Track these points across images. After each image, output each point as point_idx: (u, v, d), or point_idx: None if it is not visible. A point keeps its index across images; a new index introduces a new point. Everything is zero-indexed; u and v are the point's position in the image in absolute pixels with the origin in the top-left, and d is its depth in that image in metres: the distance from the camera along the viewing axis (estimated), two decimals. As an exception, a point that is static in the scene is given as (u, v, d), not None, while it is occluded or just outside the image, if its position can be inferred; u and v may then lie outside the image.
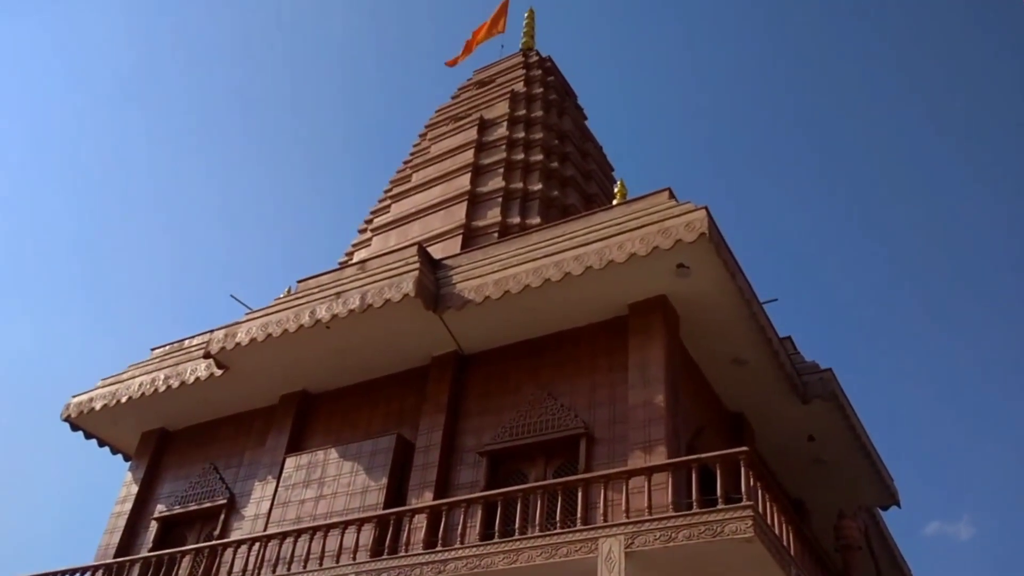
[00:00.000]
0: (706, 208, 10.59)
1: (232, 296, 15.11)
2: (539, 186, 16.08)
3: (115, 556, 13.85)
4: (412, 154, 19.17)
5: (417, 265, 12.09)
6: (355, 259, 16.56)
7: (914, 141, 42.80)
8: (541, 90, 18.75)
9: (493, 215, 15.64)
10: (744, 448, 8.98)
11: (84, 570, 12.91)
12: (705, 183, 44.63)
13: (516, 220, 15.39)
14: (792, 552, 9.20)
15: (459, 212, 15.95)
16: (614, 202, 13.81)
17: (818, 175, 44.34)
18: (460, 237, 15.38)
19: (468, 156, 17.10)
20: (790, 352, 13.55)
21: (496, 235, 15.09)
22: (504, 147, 17.04)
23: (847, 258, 42.84)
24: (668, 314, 11.19)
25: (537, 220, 15.26)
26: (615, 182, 18.46)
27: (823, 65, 45.30)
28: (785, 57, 46.22)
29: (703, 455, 9.24)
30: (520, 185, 16.08)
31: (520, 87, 18.81)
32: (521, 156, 16.75)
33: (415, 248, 12.74)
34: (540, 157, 16.74)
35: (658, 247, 10.50)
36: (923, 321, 40.85)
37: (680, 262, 10.68)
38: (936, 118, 42.17)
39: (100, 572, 13.06)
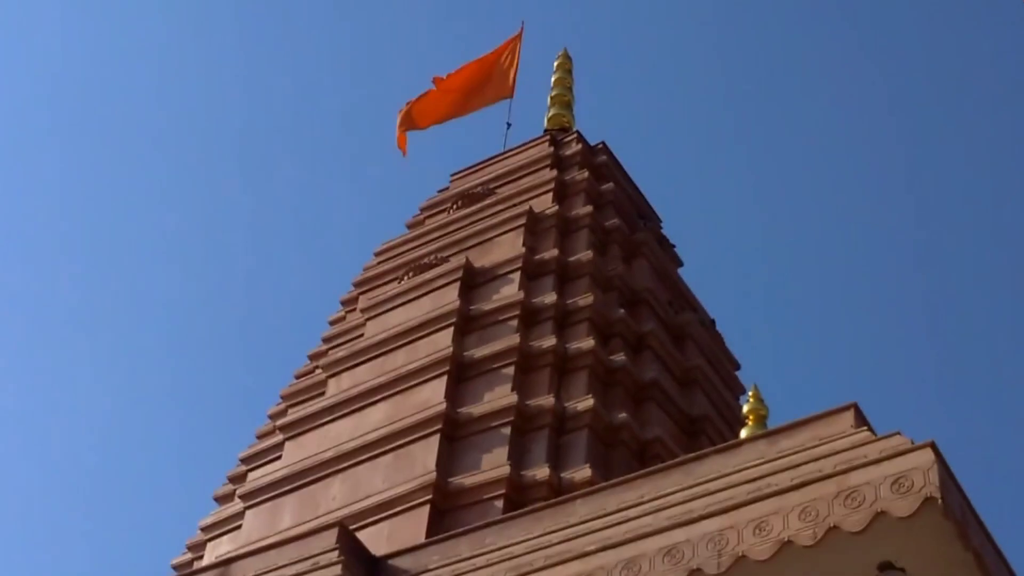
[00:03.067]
0: (932, 445, 10.65)
1: None
2: (589, 403, 16.19)
3: None
4: (327, 340, 19.55)
5: (339, 571, 12.09)
6: (207, 558, 16.51)
7: None
8: (589, 209, 19.19)
9: (494, 462, 15.68)
10: None
11: None
12: (905, 398, 44.84)
13: (542, 473, 15.41)
14: None
15: (425, 456, 16.03)
16: (743, 433, 13.91)
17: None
18: (427, 507, 15.38)
19: (442, 342, 17.38)
20: None
21: (500, 503, 15.09)
22: (515, 323, 17.30)
23: None
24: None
25: (585, 473, 15.30)
26: (744, 392, 18.69)
27: None
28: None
29: None
30: (549, 401, 16.21)
31: (546, 202, 19.28)
32: (551, 342, 16.97)
33: (334, 533, 12.77)
34: (590, 343, 16.97)
35: (837, 527, 10.49)
36: None
37: (886, 561, 10.66)
38: None
39: None
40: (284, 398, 18.98)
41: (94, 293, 51.05)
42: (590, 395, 16.41)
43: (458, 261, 18.68)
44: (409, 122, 22.57)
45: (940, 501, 10.30)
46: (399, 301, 18.79)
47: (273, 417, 18.85)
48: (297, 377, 19.27)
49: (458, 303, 17.79)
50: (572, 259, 18.31)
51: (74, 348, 49.42)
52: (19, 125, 54.57)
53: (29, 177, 52.11)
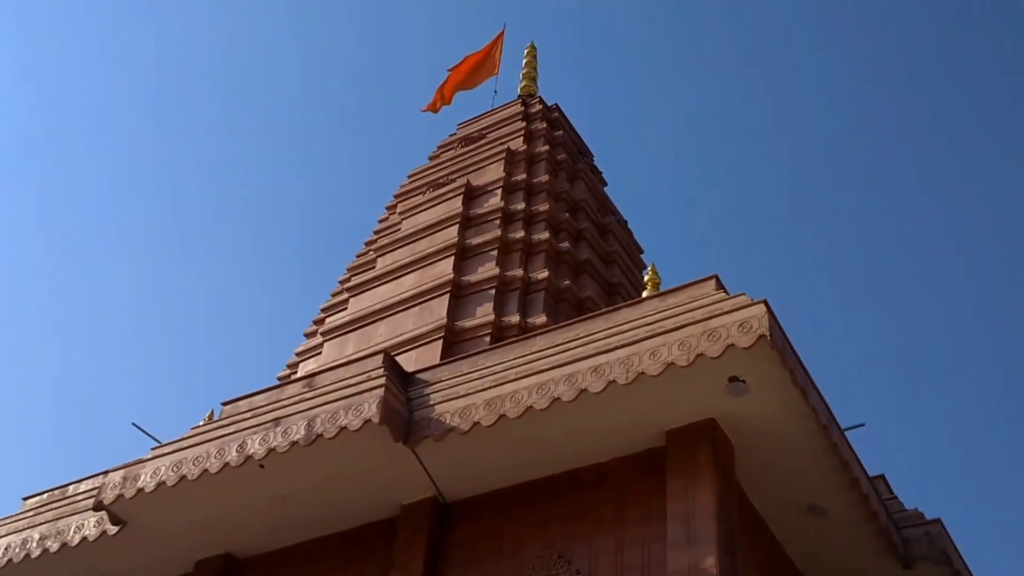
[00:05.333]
0: (765, 302, 10.63)
1: (134, 425, 15.00)
2: (545, 273, 16.24)
3: None
4: (376, 233, 19.45)
5: (383, 381, 12.04)
6: (300, 373, 16.56)
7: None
8: (546, 148, 19.19)
9: (484, 312, 15.75)
10: (828, 632, 8.78)
11: None
12: (761, 270, 45.00)
13: (514, 319, 15.49)
14: None
15: (439, 309, 16.07)
16: (644, 294, 13.93)
17: (916, 263, 44.76)
18: (440, 342, 15.47)
19: (451, 234, 17.35)
20: (884, 497, 13.41)
21: (488, 339, 15.16)
22: (498, 222, 17.32)
23: (954, 369, 42.79)
24: (719, 445, 11.11)
25: (542, 319, 15.35)
26: (645, 268, 18.72)
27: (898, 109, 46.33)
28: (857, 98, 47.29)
29: (772, 642, 9.02)
30: (519, 272, 16.25)
31: (519, 144, 19.23)
32: (520, 234, 16.98)
33: (380, 357, 12.73)
34: (546, 235, 16.97)
35: (703, 354, 10.48)
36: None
37: (733, 375, 10.66)
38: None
39: None
40: (349, 270, 19.01)
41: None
42: (546, 269, 16.44)
43: (462, 181, 18.62)
44: (439, 96, 22.82)
45: (768, 337, 10.30)
46: (423, 207, 18.77)
47: (342, 282, 18.91)
48: (358, 256, 19.27)
49: (461, 209, 17.78)
50: (535, 181, 18.34)
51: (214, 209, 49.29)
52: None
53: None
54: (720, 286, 11.70)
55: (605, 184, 20.78)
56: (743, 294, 10.99)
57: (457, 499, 12.54)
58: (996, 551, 37.51)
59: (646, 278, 14.55)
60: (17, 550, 14.22)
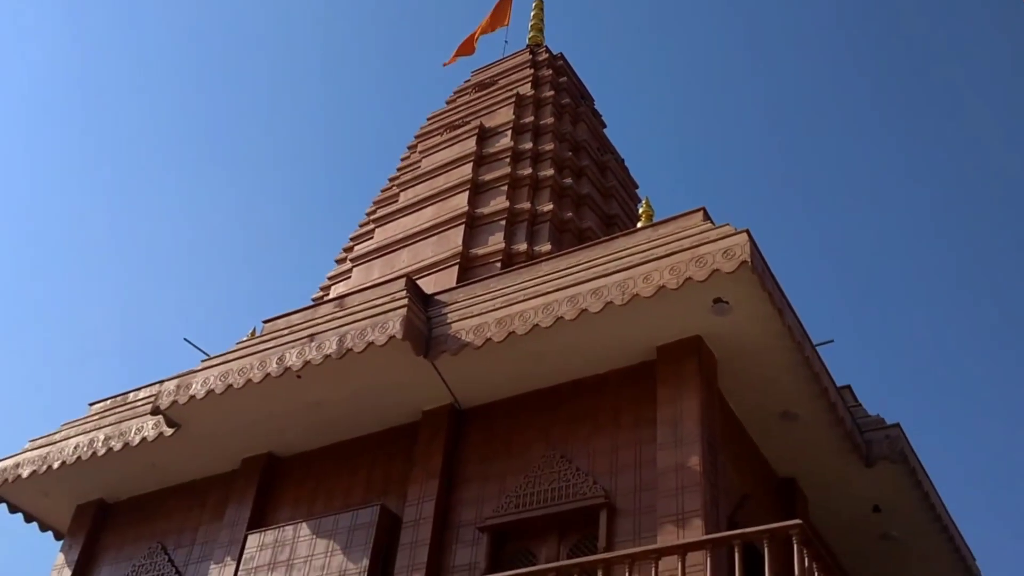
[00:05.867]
0: (747, 232, 10.66)
1: (186, 340, 15.16)
2: (549, 206, 16.20)
3: (43, 654, 13.82)
4: (399, 169, 19.37)
5: (405, 301, 12.17)
6: (331, 295, 16.67)
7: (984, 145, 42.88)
8: (551, 93, 18.97)
9: (495, 241, 15.75)
10: (797, 521, 8.96)
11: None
12: (745, 202, 44.80)
13: (522, 247, 15.49)
14: (856, 647, 9.15)
15: (455, 238, 16.07)
16: (638, 225, 13.94)
17: (880, 193, 44.45)
18: (456, 268, 15.49)
19: (465, 171, 17.27)
20: (850, 404, 13.55)
21: (499, 265, 15.19)
22: (508, 160, 17.22)
23: (914, 291, 42.78)
24: (704, 359, 11.22)
25: (547, 247, 15.36)
26: (639, 201, 18.70)
27: (879, 60, 45.64)
28: (840, 52, 46.61)
29: (747, 530, 9.20)
30: (527, 205, 16.21)
31: (527, 89, 19.03)
32: (528, 171, 16.90)
33: (403, 281, 12.83)
34: (551, 172, 16.89)
35: (691, 278, 10.55)
36: (1006, 361, 40.67)
37: (717, 296, 10.73)
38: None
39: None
40: (375, 203, 18.89)
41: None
42: (551, 202, 16.37)
43: (475, 123, 18.41)
44: (464, 47, 22.55)
45: (749, 263, 10.34)
46: (441, 147, 18.56)
47: (368, 214, 18.81)
48: (382, 191, 19.15)
49: (475, 148, 17.60)
50: (541, 123, 18.10)
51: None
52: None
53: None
54: (707, 217, 11.71)
55: (604, 125, 20.59)
56: (728, 224, 11.00)
57: (471, 406, 12.71)
58: (950, 452, 37.95)
59: (640, 210, 14.50)
60: (85, 449, 14.52)
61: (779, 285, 11.23)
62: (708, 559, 9.15)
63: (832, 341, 12.95)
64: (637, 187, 19.73)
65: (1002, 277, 41.14)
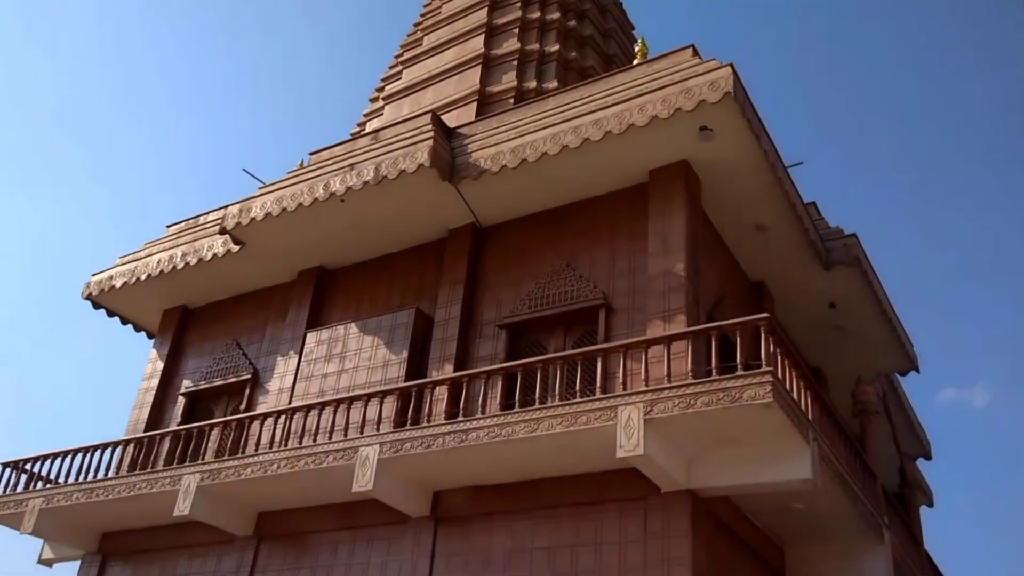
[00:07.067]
0: (731, 65, 10.28)
1: (245, 170, 15.08)
2: (556, 47, 15.63)
3: (145, 430, 14.47)
4: (423, 15, 18.61)
5: (431, 134, 11.95)
6: (368, 129, 16.39)
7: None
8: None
9: (508, 79, 15.31)
10: (764, 315, 9.06)
11: (117, 444, 13.51)
12: (732, 41, 43.12)
13: (532, 84, 15.07)
14: (810, 417, 9.43)
15: (473, 77, 15.61)
16: (635, 62, 13.43)
17: (846, 35, 42.57)
18: (475, 104, 15.15)
19: (481, 15, 16.57)
20: (814, 218, 13.45)
21: (512, 101, 14.84)
22: (519, 5, 16.47)
23: (875, 120, 41.73)
24: (690, 180, 11.07)
25: (554, 84, 14.93)
26: (636, 41, 17.95)
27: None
28: None
29: (723, 322, 9.34)
30: (536, 47, 15.64)
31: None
32: (537, 15, 16.20)
33: (429, 116, 12.55)
34: (557, 15, 16.20)
35: (680, 108, 10.27)
36: (951, 184, 40.16)
37: (703, 124, 10.47)
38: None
39: (132, 446, 13.68)
40: (402, 46, 18.18)
41: None
42: (557, 43, 15.80)
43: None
44: None
45: (732, 93, 10.04)
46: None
47: (397, 56, 18.17)
48: (408, 35, 18.39)
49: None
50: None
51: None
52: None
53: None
54: (696, 54, 11.27)
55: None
56: (714, 59, 10.59)
57: (490, 224, 12.69)
58: (907, 260, 38.09)
59: (636, 49, 13.89)
60: (166, 264, 14.70)
61: (758, 114, 10.92)
62: (689, 348, 9.32)
63: (802, 163, 12.74)
64: (633, 28, 18.92)
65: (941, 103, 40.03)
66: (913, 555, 13.63)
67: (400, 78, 17.24)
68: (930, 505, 19.03)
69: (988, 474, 36.85)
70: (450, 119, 14.24)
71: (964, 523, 35.50)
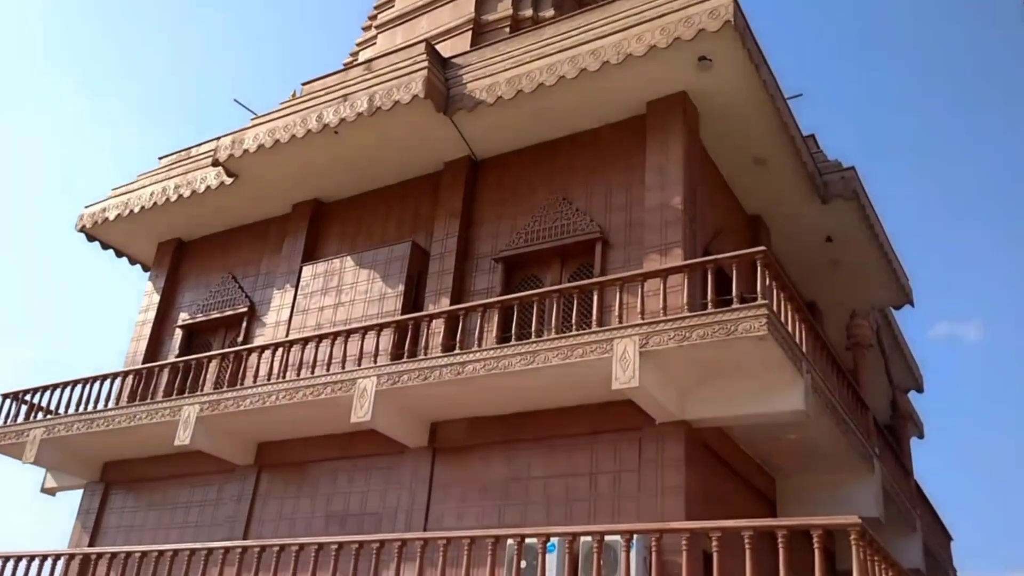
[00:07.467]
0: (734, -8, 10.07)
1: (236, 101, 14.85)
2: (553, -17, 15.22)
3: (143, 362, 14.55)
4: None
5: (426, 64, 11.74)
6: (361, 59, 16.07)
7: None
8: None
9: (504, 8, 14.96)
10: (761, 248, 9.05)
11: (116, 375, 13.59)
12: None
13: (528, 13, 14.74)
14: (804, 350, 9.50)
15: (468, 5, 15.25)
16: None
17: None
18: (470, 33, 14.81)
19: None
20: (812, 151, 13.34)
21: (507, 30, 14.52)
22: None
23: (875, 53, 41.08)
24: (688, 112, 10.93)
25: (551, 12, 14.61)
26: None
27: None
28: None
29: (719, 256, 9.33)
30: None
31: None
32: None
33: (423, 46, 12.29)
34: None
35: (679, 38, 10.09)
36: (950, 121, 39.76)
37: (702, 54, 10.30)
38: None
39: (131, 377, 13.77)
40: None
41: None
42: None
43: None
44: None
45: (732, 22, 9.86)
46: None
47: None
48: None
49: None
50: None
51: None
52: None
53: None
54: (696, -18, 11.01)
55: None
56: (714, -14, 10.36)
57: (486, 157, 12.57)
58: (906, 195, 37.91)
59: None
60: (160, 196, 14.59)
61: (758, 43, 10.74)
62: (685, 281, 9.33)
63: (801, 95, 12.58)
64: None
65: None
66: (903, 485, 13.89)
67: (393, 5, 16.83)
68: (921, 437, 19.34)
69: (978, 407, 37.42)
70: (444, 48, 13.99)
71: (954, 454, 36.19)
